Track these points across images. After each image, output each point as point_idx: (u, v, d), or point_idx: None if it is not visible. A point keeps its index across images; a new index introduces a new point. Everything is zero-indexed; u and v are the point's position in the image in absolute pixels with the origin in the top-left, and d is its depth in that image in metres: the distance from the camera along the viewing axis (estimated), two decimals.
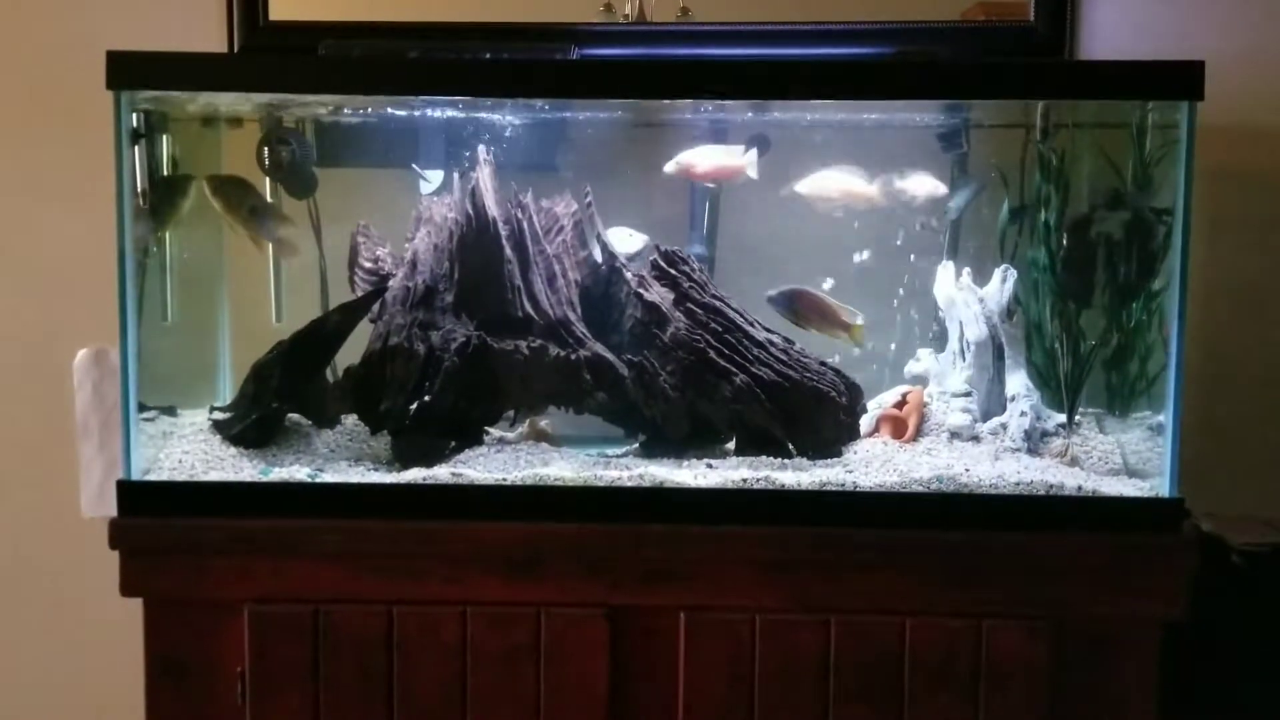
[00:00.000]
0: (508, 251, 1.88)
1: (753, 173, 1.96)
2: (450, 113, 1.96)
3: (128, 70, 1.73)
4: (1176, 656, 1.77)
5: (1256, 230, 2.15)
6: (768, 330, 1.92)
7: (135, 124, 1.82)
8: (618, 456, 1.89)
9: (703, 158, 1.97)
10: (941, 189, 2.00)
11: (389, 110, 1.97)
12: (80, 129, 2.04)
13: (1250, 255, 2.14)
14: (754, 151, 1.96)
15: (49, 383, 2.17)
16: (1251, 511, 2.01)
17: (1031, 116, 1.97)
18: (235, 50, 2.13)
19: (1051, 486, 1.75)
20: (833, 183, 1.98)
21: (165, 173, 1.96)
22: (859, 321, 1.95)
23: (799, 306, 1.95)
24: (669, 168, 1.98)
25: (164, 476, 1.80)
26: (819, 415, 1.88)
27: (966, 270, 2.00)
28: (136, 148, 1.83)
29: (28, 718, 2.31)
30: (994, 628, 1.70)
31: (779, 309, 1.96)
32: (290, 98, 1.91)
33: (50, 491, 2.21)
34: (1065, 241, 1.90)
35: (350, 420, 1.95)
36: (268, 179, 2.04)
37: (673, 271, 1.90)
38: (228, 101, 1.95)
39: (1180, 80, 1.69)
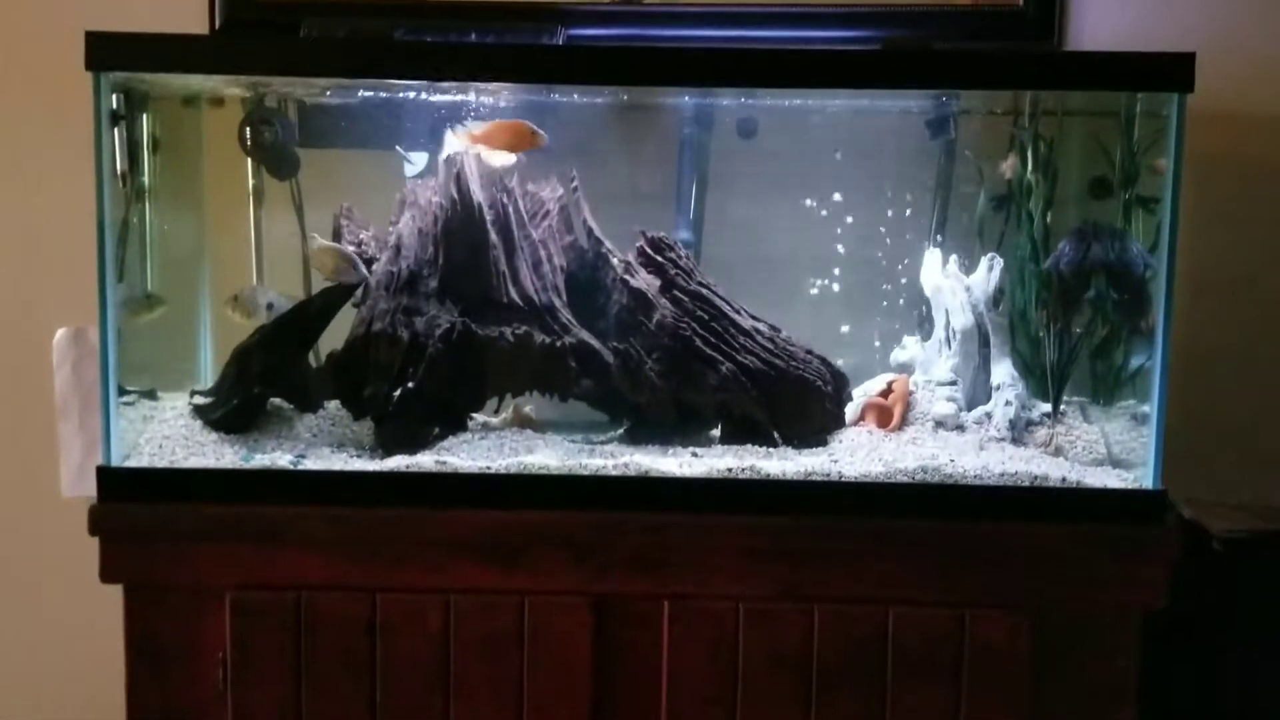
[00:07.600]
0: (493, 236, 1.87)
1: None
2: (437, 96, 1.94)
3: (107, 51, 1.70)
4: (1156, 643, 1.78)
5: (1238, 218, 2.15)
6: (754, 318, 1.91)
7: (115, 105, 1.79)
8: (602, 443, 1.88)
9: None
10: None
11: (373, 92, 1.95)
12: (60, 107, 2.01)
13: (1232, 243, 2.14)
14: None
15: (29, 360, 2.14)
16: (1230, 495, 2.03)
17: (1017, 103, 1.96)
18: (217, 27, 2.10)
19: (1036, 478, 1.75)
20: None
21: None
22: None
23: None
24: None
25: (144, 462, 1.78)
26: (805, 404, 1.88)
27: (954, 258, 1.99)
28: (116, 128, 1.80)
29: (6, 699, 2.30)
30: (977, 617, 1.70)
31: None
32: (273, 79, 1.89)
33: (30, 471, 2.19)
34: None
35: (333, 405, 1.94)
36: (249, 160, 2.01)
37: (659, 258, 1.89)
38: (210, 80, 1.92)
39: (1170, 72, 1.68)
